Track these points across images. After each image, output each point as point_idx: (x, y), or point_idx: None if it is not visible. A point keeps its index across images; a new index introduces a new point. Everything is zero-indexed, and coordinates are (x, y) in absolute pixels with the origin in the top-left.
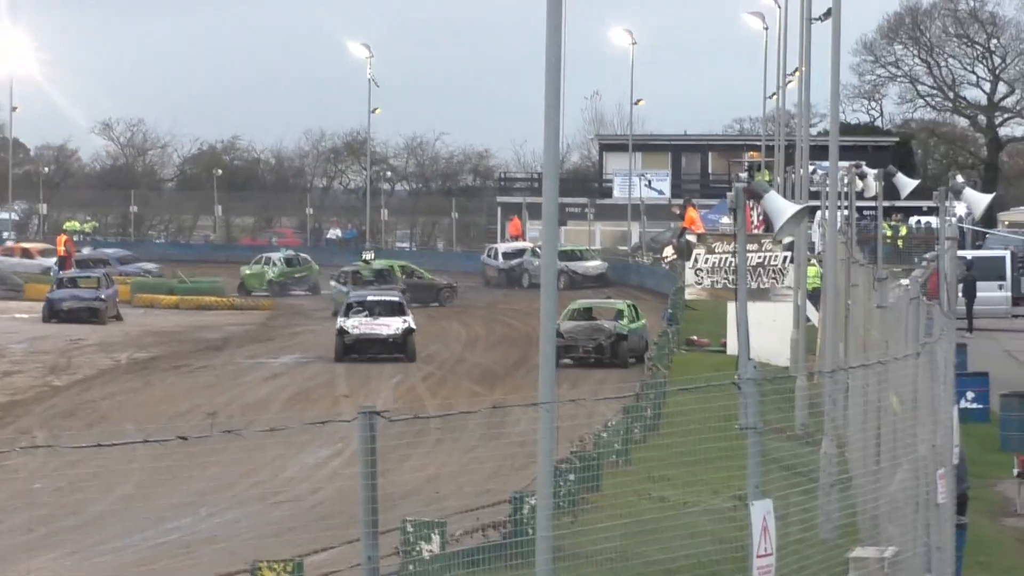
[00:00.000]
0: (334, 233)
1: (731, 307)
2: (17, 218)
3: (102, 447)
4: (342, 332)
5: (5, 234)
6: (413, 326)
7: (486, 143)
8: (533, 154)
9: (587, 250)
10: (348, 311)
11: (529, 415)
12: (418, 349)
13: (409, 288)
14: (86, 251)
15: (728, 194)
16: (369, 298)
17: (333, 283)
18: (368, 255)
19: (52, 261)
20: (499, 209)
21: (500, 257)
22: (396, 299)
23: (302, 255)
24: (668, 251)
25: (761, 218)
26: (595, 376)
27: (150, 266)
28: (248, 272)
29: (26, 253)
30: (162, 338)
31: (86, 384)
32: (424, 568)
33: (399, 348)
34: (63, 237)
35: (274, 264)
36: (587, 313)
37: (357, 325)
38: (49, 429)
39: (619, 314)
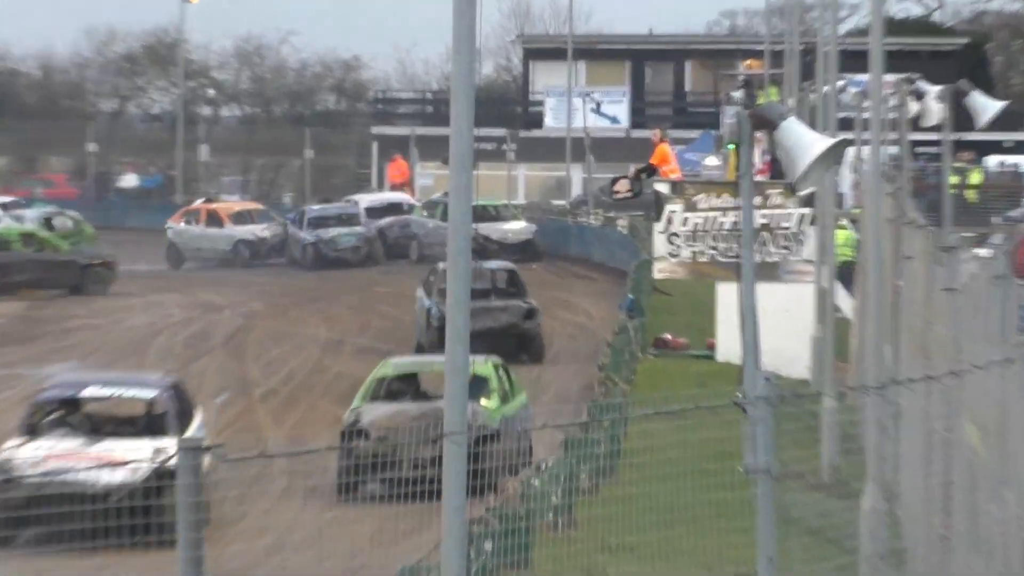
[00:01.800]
0: (129, 180)
1: (721, 290)
2: None
3: None
4: None
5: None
6: None
7: (355, 48)
8: (425, 64)
9: (505, 206)
10: None
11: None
12: (256, 351)
13: (36, 267)
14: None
15: (725, 122)
16: None
17: (420, 293)
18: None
19: (255, 228)
20: (375, 145)
21: (363, 215)
22: None
23: (70, 213)
24: (622, 185)
25: (766, 159)
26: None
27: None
28: None
29: (214, 218)
30: None
31: None
32: None
33: None
34: None
35: (24, 226)
36: (410, 385)
37: None
38: None
39: (478, 384)
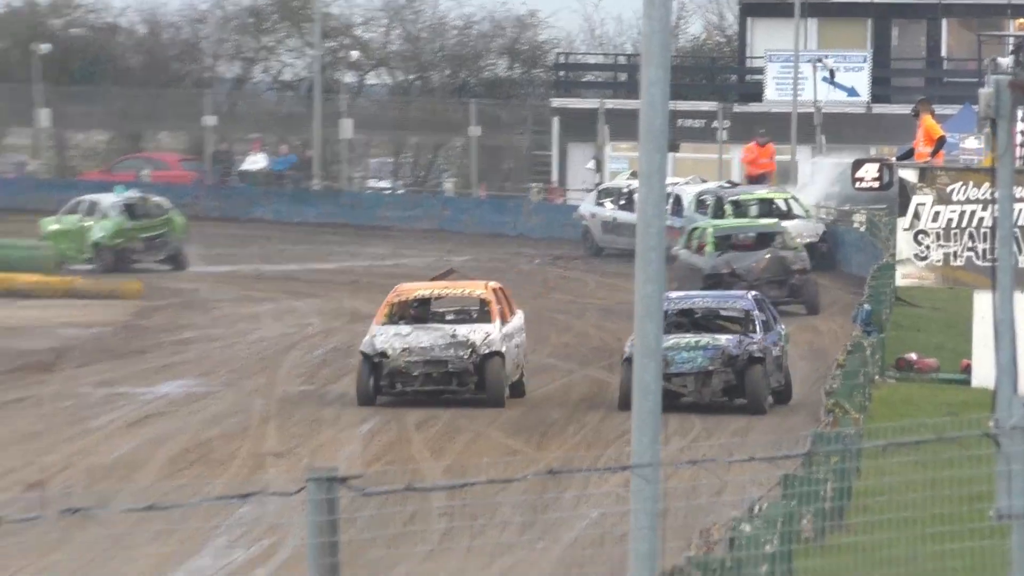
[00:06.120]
0: (255, 161)
1: (980, 300)
2: None
3: None
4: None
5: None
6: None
7: (531, 3)
8: (617, 22)
9: (793, 199)
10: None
11: (608, 490)
12: None
13: None
14: None
15: (981, 92)
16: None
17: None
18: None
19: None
20: (556, 123)
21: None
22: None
23: (157, 199)
24: (867, 171)
25: None
26: (717, 423)
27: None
28: (54, 228)
29: None
30: None
31: None
32: None
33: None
34: None
35: (105, 215)
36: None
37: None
38: None
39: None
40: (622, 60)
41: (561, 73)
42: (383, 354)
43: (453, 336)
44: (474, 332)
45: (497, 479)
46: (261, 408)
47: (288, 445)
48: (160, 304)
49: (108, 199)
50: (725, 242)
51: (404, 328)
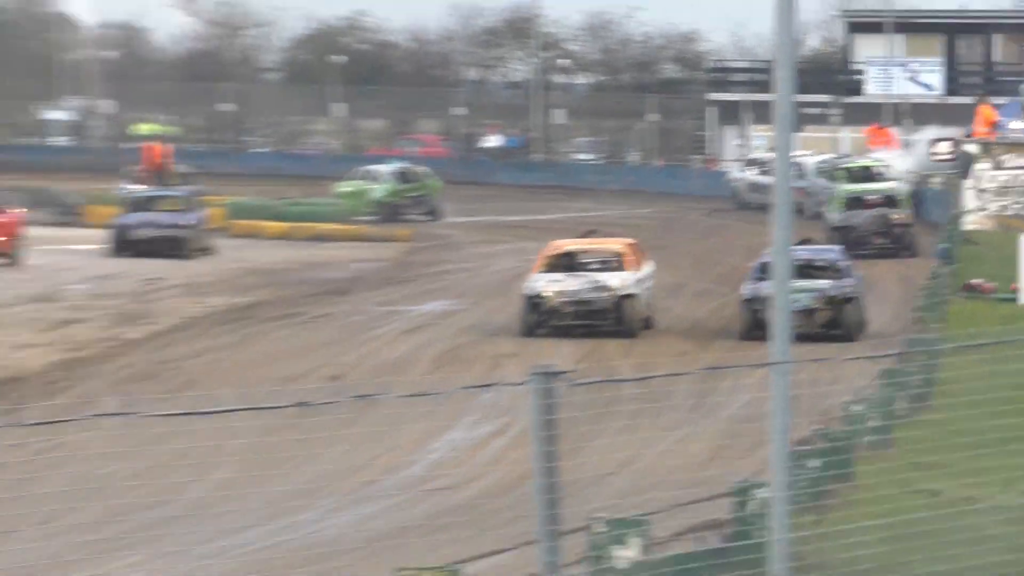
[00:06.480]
0: (492, 140)
1: None
2: (69, 119)
3: (196, 415)
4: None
5: None
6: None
7: (694, 23)
8: (757, 37)
9: (885, 166)
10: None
11: (755, 382)
12: None
13: None
14: None
15: (1022, 88)
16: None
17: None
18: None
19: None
20: (716, 110)
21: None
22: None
23: (420, 168)
24: (942, 147)
25: None
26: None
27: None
28: (344, 190)
29: None
30: (267, 278)
31: (167, 338)
32: None
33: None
34: (157, 146)
35: (382, 180)
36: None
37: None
38: (121, 395)
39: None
40: (760, 65)
41: (715, 74)
42: (540, 296)
43: (596, 282)
44: (613, 278)
45: (672, 373)
46: (498, 322)
47: (518, 349)
48: (424, 245)
49: (384, 168)
50: (855, 203)
51: (557, 275)
